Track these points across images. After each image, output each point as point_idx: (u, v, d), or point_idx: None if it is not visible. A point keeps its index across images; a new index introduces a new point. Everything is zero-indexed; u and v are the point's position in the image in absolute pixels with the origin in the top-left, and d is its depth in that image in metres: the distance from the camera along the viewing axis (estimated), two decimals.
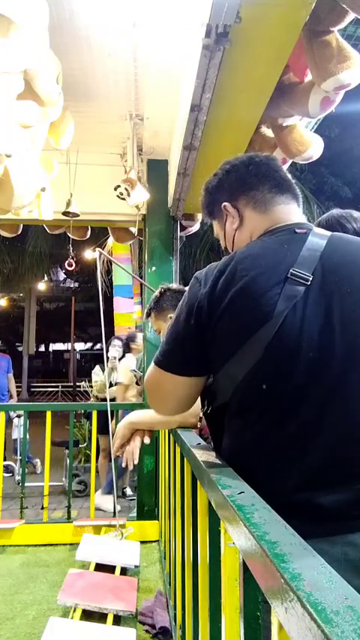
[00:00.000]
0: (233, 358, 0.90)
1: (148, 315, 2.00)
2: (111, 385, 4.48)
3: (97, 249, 2.79)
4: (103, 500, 3.92)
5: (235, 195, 1.08)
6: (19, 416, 5.28)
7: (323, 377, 0.86)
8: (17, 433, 5.33)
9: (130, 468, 2.14)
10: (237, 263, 0.94)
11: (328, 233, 0.99)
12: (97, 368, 4.70)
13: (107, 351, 4.57)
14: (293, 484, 0.85)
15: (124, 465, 1.75)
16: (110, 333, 6.02)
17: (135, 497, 3.72)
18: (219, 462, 1.08)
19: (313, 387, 0.86)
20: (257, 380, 0.89)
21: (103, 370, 4.41)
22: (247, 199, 1.07)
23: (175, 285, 2.03)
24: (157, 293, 1.99)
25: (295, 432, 0.87)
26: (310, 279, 0.87)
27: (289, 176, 1.09)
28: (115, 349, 4.57)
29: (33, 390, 15.27)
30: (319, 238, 0.95)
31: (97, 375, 4.67)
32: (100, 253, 2.75)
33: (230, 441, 0.99)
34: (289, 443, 0.87)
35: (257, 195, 1.05)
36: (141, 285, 4.27)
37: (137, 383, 4.43)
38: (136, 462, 1.76)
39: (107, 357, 4.46)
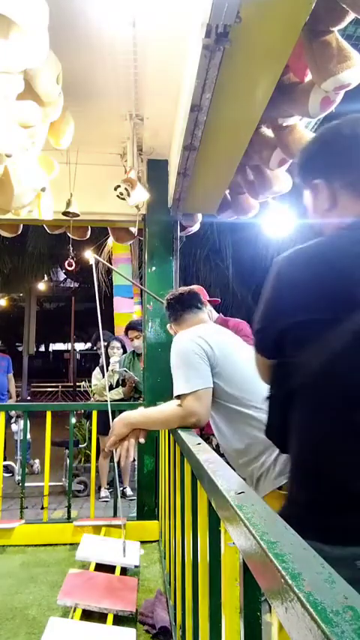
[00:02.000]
0: (314, 345, 0.86)
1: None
2: (111, 387, 4.48)
3: (94, 255, 2.78)
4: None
5: (330, 175, 0.97)
6: (18, 416, 5.28)
7: None
8: (17, 433, 5.34)
9: (122, 464, 2.16)
10: (327, 252, 0.88)
11: None
12: (97, 370, 4.70)
13: (106, 352, 4.57)
14: None
15: (116, 459, 1.76)
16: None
17: (135, 497, 3.72)
18: (219, 461, 1.08)
19: None
20: (339, 371, 0.83)
21: (103, 373, 4.40)
22: (345, 182, 0.95)
23: (170, 294, 2.07)
24: (165, 304, 2.07)
25: None
26: None
27: None
28: (115, 356, 4.56)
29: (33, 390, 15.27)
30: None
31: (97, 378, 4.66)
32: (97, 260, 2.74)
33: (309, 432, 0.91)
34: None
35: (357, 180, 0.94)
36: (135, 284, 4.28)
37: (123, 383, 4.43)
38: (130, 459, 1.77)
39: (108, 362, 4.45)
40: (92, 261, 2.66)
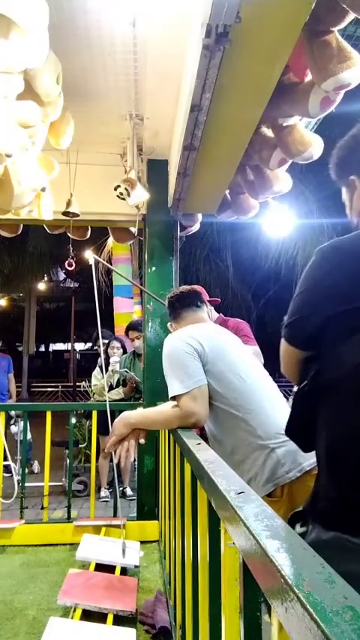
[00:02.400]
0: (350, 340, 0.85)
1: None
2: (112, 388, 4.48)
3: (93, 255, 2.78)
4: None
5: None
6: (18, 416, 5.28)
7: None
8: (17, 435, 5.33)
9: (122, 464, 2.15)
10: None
11: None
12: (97, 370, 4.70)
13: (106, 351, 4.57)
14: None
15: (116, 460, 1.76)
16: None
17: (135, 497, 3.72)
18: (219, 461, 1.08)
19: None
20: None
21: (103, 373, 4.40)
22: None
23: (171, 293, 2.07)
24: (166, 304, 2.07)
25: None
26: None
27: None
28: (115, 356, 4.55)
29: (33, 390, 15.27)
30: None
31: (97, 378, 4.66)
32: (96, 260, 2.74)
33: (341, 426, 0.90)
34: None
35: None
36: (140, 285, 4.27)
37: (124, 383, 4.43)
38: (130, 459, 1.77)
39: (108, 362, 4.45)
40: (92, 262, 2.65)
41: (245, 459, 1.57)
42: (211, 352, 1.67)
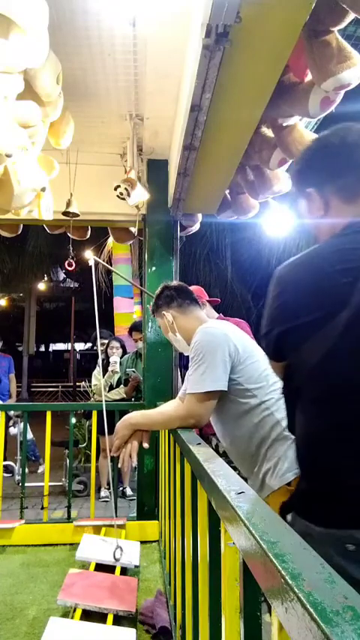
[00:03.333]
0: (304, 346, 0.92)
1: (153, 313, 2.02)
2: (112, 388, 4.47)
3: (93, 256, 2.78)
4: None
5: (322, 182, 1.02)
6: (18, 416, 5.27)
7: None
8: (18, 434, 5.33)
9: (125, 470, 2.13)
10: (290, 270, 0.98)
11: None
12: (97, 370, 4.70)
13: (105, 352, 4.57)
14: None
15: (119, 465, 1.75)
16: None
17: (135, 497, 3.72)
18: (219, 461, 1.08)
19: None
20: (331, 368, 0.89)
21: (104, 372, 4.40)
22: (335, 188, 1.00)
23: (174, 283, 2.04)
24: (157, 291, 2.01)
25: None
26: None
27: None
28: (115, 355, 4.55)
29: (33, 390, 15.26)
30: None
31: (97, 378, 4.66)
32: (96, 261, 2.73)
33: (303, 427, 0.98)
34: None
35: (346, 185, 0.99)
36: (141, 285, 4.28)
37: (126, 382, 4.42)
38: (134, 464, 1.76)
39: (108, 362, 4.44)
40: (92, 262, 2.65)
41: (267, 450, 1.58)
42: (244, 352, 1.67)
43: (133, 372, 4.30)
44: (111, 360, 4.50)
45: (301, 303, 0.94)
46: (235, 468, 1.83)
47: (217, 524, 0.97)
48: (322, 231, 1.04)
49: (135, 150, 3.04)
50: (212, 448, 2.13)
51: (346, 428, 0.88)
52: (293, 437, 1.55)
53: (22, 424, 5.24)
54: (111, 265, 7.21)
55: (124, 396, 4.42)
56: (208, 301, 3.00)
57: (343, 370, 0.88)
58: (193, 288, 2.16)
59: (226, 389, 1.61)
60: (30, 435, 5.25)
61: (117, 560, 2.54)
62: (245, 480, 1.53)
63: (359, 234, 0.95)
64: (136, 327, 4.46)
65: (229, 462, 1.92)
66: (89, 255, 3.03)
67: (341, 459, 0.89)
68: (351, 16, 1.58)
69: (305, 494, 0.97)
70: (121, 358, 4.66)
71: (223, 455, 1.91)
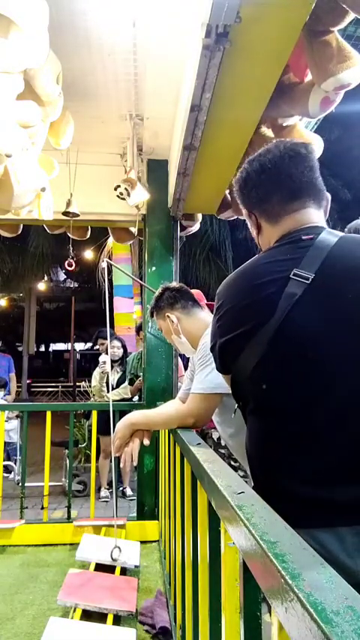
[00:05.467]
0: (240, 357, 0.97)
1: (152, 314, 2.01)
2: (112, 388, 4.46)
3: (106, 259, 2.79)
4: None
5: (252, 206, 1.12)
6: (18, 416, 5.25)
7: (333, 375, 0.89)
8: (15, 436, 5.29)
9: (128, 469, 2.13)
10: (226, 289, 1.06)
11: (340, 234, 1.00)
12: (97, 371, 4.69)
13: (106, 351, 4.56)
14: (301, 481, 0.89)
15: (121, 465, 1.75)
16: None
17: (135, 497, 3.72)
18: (219, 461, 1.08)
19: (323, 385, 0.89)
20: (261, 376, 0.94)
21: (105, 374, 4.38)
22: (261, 212, 1.09)
23: (175, 284, 2.03)
24: (157, 293, 2.00)
25: (301, 431, 0.90)
26: (311, 277, 0.91)
27: (311, 171, 1.05)
28: (103, 355, 4.52)
29: (33, 390, 15.26)
30: (329, 239, 0.97)
31: (96, 378, 4.66)
32: (109, 264, 2.73)
33: (248, 437, 1.02)
34: (297, 442, 0.90)
35: (269, 208, 1.07)
36: (141, 285, 4.28)
37: (131, 382, 4.41)
38: (135, 463, 1.76)
39: (114, 361, 4.44)
40: (104, 265, 2.64)
41: None
42: None
43: (138, 376, 4.30)
44: (100, 360, 4.46)
45: (235, 316, 1.00)
46: (236, 460, 1.83)
47: (217, 524, 0.97)
48: (262, 245, 1.12)
49: (135, 150, 3.04)
50: (213, 442, 2.13)
51: (280, 430, 0.93)
52: None
53: (14, 422, 5.24)
54: (111, 266, 7.21)
55: (125, 396, 4.41)
56: (206, 304, 2.99)
57: (272, 377, 0.93)
58: (192, 291, 2.15)
59: (231, 391, 1.60)
60: (16, 437, 5.24)
61: (115, 560, 2.53)
62: (245, 476, 1.53)
63: (289, 245, 1.00)
64: (142, 327, 4.47)
65: (230, 455, 1.92)
66: (89, 255, 3.03)
67: (274, 463, 0.93)
68: (351, 16, 1.58)
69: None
70: (122, 358, 4.66)
71: (224, 447, 1.92)
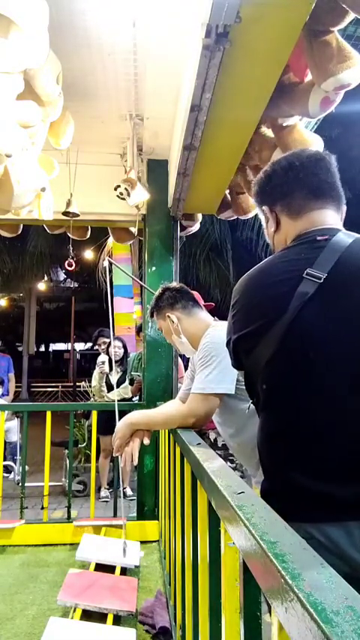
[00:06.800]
0: (253, 353, 0.99)
1: (152, 314, 2.00)
2: (112, 388, 4.46)
3: (108, 258, 2.79)
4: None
5: (273, 201, 1.13)
6: (18, 416, 5.25)
7: (337, 374, 0.91)
8: (15, 436, 5.29)
9: (128, 468, 2.13)
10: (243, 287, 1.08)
11: (356, 235, 1.02)
12: (96, 371, 4.70)
13: (107, 352, 4.56)
14: (311, 476, 0.90)
15: (122, 465, 1.75)
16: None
17: (135, 497, 3.72)
18: (219, 461, 1.08)
19: (327, 384, 0.91)
20: (273, 372, 0.96)
21: (110, 366, 4.37)
22: (283, 206, 1.11)
23: (175, 284, 2.03)
24: (157, 293, 2.00)
25: (310, 427, 0.92)
26: (324, 277, 0.93)
27: (333, 176, 1.10)
28: (102, 355, 4.51)
29: (33, 390, 15.26)
30: (344, 240, 0.99)
31: (96, 378, 4.66)
32: (110, 262, 2.72)
33: (259, 432, 1.04)
34: (307, 437, 0.92)
35: (292, 203, 1.09)
36: (141, 285, 4.28)
37: (131, 382, 4.41)
38: (135, 462, 1.76)
39: (115, 361, 4.43)
40: (106, 264, 2.64)
41: None
42: None
43: (139, 376, 4.30)
44: (98, 360, 4.44)
45: (249, 313, 1.03)
46: (233, 461, 1.83)
47: (217, 524, 0.97)
48: (277, 244, 1.14)
49: (135, 150, 3.04)
50: (210, 442, 2.12)
51: (287, 428, 0.95)
52: None
53: (13, 422, 5.23)
54: (111, 266, 7.20)
55: (125, 396, 4.41)
56: (204, 305, 2.99)
57: (282, 374, 0.95)
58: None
59: (232, 392, 1.59)
60: (16, 437, 5.23)
61: (125, 557, 2.51)
62: (243, 476, 1.53)
63: (304, 244, 1.02)
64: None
65: (227, 456, 1.92)
66: (89, 255, 3.03)
67: (283, 460, 0.95)
68: (351, 16, 1.58)
69: (265, 493, 1.01)
70: (122, 358, 4.65)
71: (222, 448, 1.91)
